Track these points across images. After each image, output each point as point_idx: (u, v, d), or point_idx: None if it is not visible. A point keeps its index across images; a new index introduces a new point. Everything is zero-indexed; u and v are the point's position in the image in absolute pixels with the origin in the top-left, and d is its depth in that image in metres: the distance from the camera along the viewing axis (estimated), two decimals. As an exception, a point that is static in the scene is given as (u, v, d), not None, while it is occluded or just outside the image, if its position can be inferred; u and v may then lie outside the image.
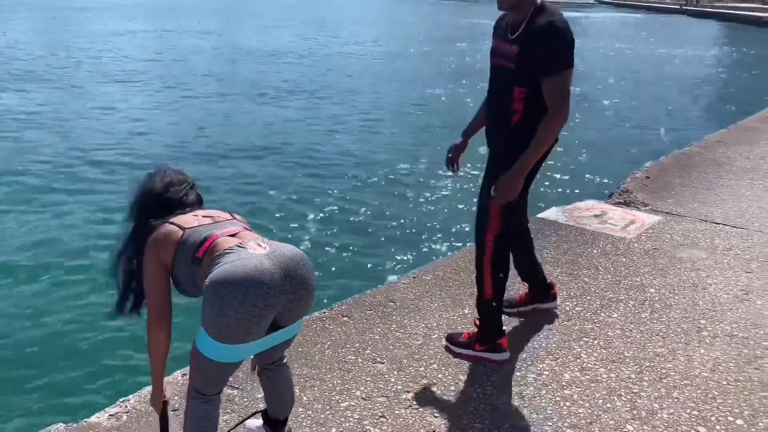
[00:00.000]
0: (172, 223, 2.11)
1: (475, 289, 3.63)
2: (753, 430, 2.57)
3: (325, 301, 3.83)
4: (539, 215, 4.98)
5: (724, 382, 2.88)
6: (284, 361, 2.30)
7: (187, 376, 2.24)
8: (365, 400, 2.72)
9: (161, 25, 25.23)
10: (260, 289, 1.88)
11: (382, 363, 2.99)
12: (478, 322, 3.10)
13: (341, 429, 2.54)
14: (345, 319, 3.37)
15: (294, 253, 2.01)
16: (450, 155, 3.16)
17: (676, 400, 2.74)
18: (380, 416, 2.62)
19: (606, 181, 8.22)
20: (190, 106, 12.61)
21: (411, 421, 2.59)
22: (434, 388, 2.81)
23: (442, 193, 7.93)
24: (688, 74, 19.28)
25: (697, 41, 26.98)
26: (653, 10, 73.45)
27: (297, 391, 2.66)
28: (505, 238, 2.96)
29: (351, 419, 2.60)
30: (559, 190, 7.96)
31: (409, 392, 2.78)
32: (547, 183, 8.11)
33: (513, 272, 3.31)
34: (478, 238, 3.00)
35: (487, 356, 3.03)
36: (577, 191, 7.74)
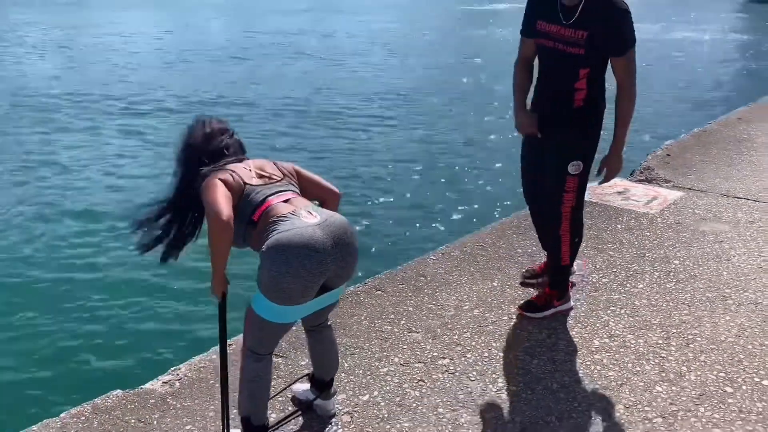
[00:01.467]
0: (234, 173, 2.22)
1: (503, 264, 3.79)
2: (778, 389, 2.67)
3: (359, 275, 3.94)
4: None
5: (750, 347, 2.97)
6: (329, 323, 2.44)
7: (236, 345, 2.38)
8: (403, 365, 2.85)
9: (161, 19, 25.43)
10: (314, 256, 2.02)
11: (417, 332, 3.12)
12: (549, 282, 3.33)
13: (383, 392, 2.67)
14: (379, 292, 3.49)
15: (342, 222, 2.15)
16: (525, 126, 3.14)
17: (703, 363, 2.85)
18: (419, 380, 2.75)
19: (626, 159, 8.24)
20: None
21: (448, 384, 2.72)
22: (469, 355, 2.94)
23: (465, 171, 8.08)
24: (706, 52, 19.13)
25: (716, 20, 26.69)
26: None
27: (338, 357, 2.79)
28: (580, 210, 3.16)
29: (391, 383, 2.73)
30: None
31: (444, 358, 2.91)
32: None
33: (537, 243, 3.45)
34: (554, 211, 3.14)
35: (563, 308, 3.29)
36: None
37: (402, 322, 3.20)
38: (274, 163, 2.36)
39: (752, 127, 7.15)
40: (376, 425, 2.49)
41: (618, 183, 5.37)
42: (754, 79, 14.77)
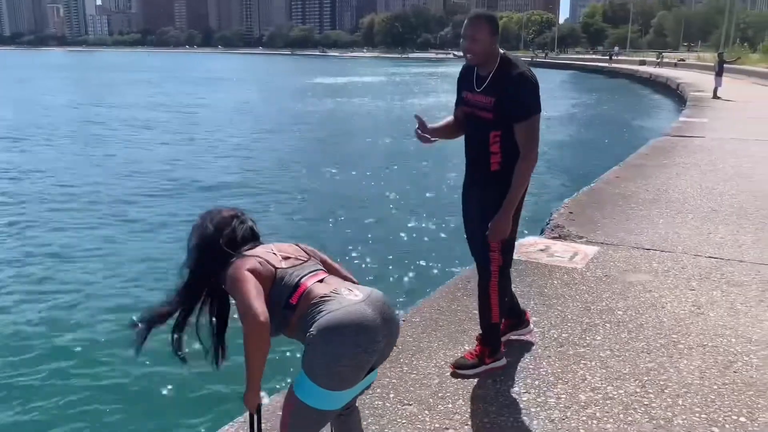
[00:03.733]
0: (260, 258, 2.10)
1: (465, 326, 3.85)
2: (756, 425, 2.88)
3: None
4: (493, 253, 5.25)
5: (715, 387, 3.20)
6: (356, 404, 2.34)
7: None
8: (410, 441, 2.76)
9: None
10: (368, 334, 1.95)
11: (410, 404, 3.04)
12: (481, 339, 3.37)
13: (400, 472, 2.57)
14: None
15: (383, 298, 2.10)
16: (420, 131, 3.20)
17: (684, 407, 3.02)
18: (431, 455, 2.67)
19: (530, 217, 8.87)
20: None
21: (462, 456, 2.67)
22: (470, 422, 2.91)
23: (410, 234, 8.40)
24: (556, 117, 21.08)
25: (554, 89, 29.61)
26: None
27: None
28: (507, 268, 3.26)
29: (405, 461, 2.63)
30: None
31: (448, 429, 2.86)
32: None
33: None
34: (482, 270, 3.25)
35: (495, 366, 3.34)
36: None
37: (391, 395, 3.12)
38: (297, 245, 2.27)
39: (631, 184, 7.90)
40: (406, 508, 2.38)
41: (538, 241, 5.68)
42: (603, 139, 16.44)
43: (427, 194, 11.54)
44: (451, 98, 3.39)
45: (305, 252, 2.25)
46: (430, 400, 3.08)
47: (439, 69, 77.33)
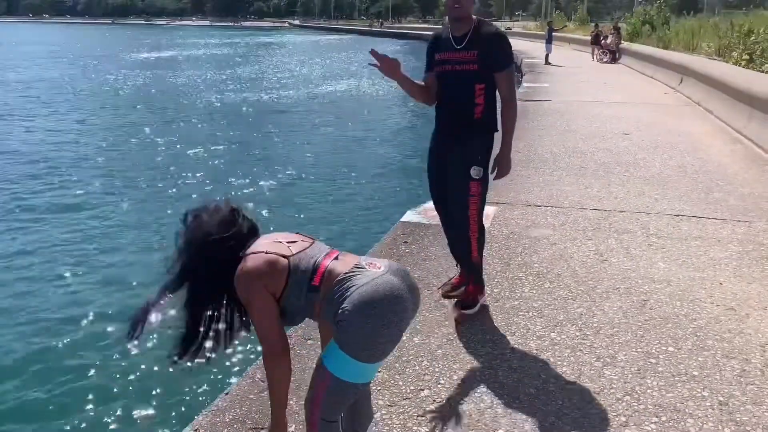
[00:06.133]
0: (269, 253, 2.02)
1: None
2: (683, 352, 3.26)
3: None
4: (402, 219, 5.37)
5: (639, 323, 3.57)
6: None
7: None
8: (392, 406, 2.80)
9: None
10: (401, 305, 1.97)
11: (379, 371, 3.07)
12: (472, 279, 3.64)
13: (394, 436, 2.61)
14: (309, 341, 3.34)
15: (404, 268, 2.12)
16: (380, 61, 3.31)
17: (622, 344, 3.33)
18: (417, 416, 2.74)
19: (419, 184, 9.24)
20: None
21: (445, 413, 2.76)
22: (441, 381, 3.00)
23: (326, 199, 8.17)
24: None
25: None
26: (345, 32, 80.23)
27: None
28: (482, 212, 3.53)
29: (395, 425, 2.67)
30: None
31: (423, 390, 2.93)
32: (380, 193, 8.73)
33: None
34: (461, 215, 3.49)
35: (483, 301, 3.70)
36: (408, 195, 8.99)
37: (358, 364, 3.12)
38: (296, 233, 2.20)
39: (504, 147, 8.37)
40: (412, 469, 2.43)
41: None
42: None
43: (333, 156, 11.45)
44: (317, 69, 3.47)
45: (306, 236, 2.20)
46: (396, 365, 3.14)
47: (276, 39, 75.71)
